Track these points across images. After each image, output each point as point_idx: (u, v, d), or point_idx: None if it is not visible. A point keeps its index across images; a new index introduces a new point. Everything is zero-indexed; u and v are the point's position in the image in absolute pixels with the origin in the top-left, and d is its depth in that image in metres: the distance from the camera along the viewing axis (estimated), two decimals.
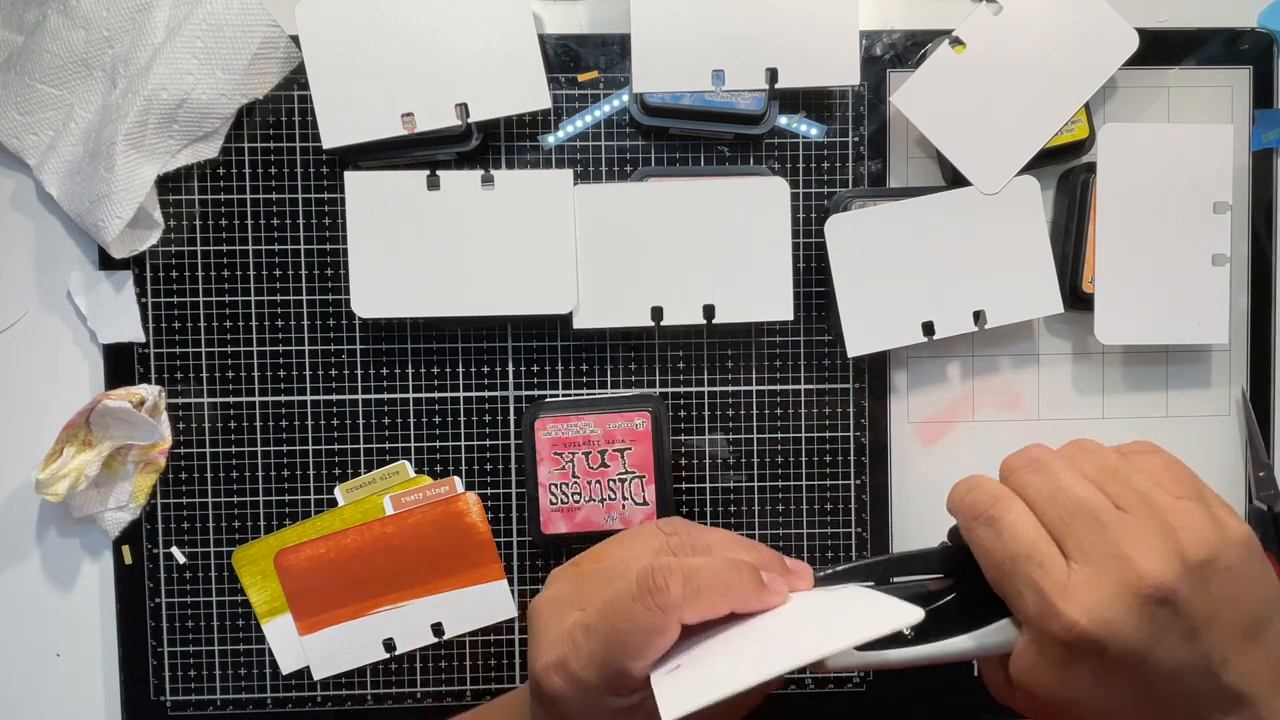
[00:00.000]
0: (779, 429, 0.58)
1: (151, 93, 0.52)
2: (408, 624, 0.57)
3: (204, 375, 0.57)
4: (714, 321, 0.54)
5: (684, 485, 0.58)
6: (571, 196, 0.54)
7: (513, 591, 0.58)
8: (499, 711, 0.48)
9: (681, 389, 0.58)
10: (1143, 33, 0.54)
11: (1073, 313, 0.57)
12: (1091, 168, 0.56)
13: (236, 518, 0.57)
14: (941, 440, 0.59)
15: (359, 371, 0.57)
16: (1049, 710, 0.37)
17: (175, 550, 0.57)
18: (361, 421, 0.57)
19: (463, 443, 0.57)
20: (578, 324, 0.54)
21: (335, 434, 0.57)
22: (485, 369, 0.57)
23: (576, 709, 0.40)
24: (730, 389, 0.58)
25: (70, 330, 0.57)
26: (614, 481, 0.55)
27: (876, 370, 0.58)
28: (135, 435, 0.55)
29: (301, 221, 0.57)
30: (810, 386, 0.58)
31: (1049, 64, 0.54)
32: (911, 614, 0.36)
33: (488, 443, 0.57)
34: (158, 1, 0.54)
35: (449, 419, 0.57)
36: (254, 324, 0.57)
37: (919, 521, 0.59)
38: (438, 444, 0.57)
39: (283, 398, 0.57)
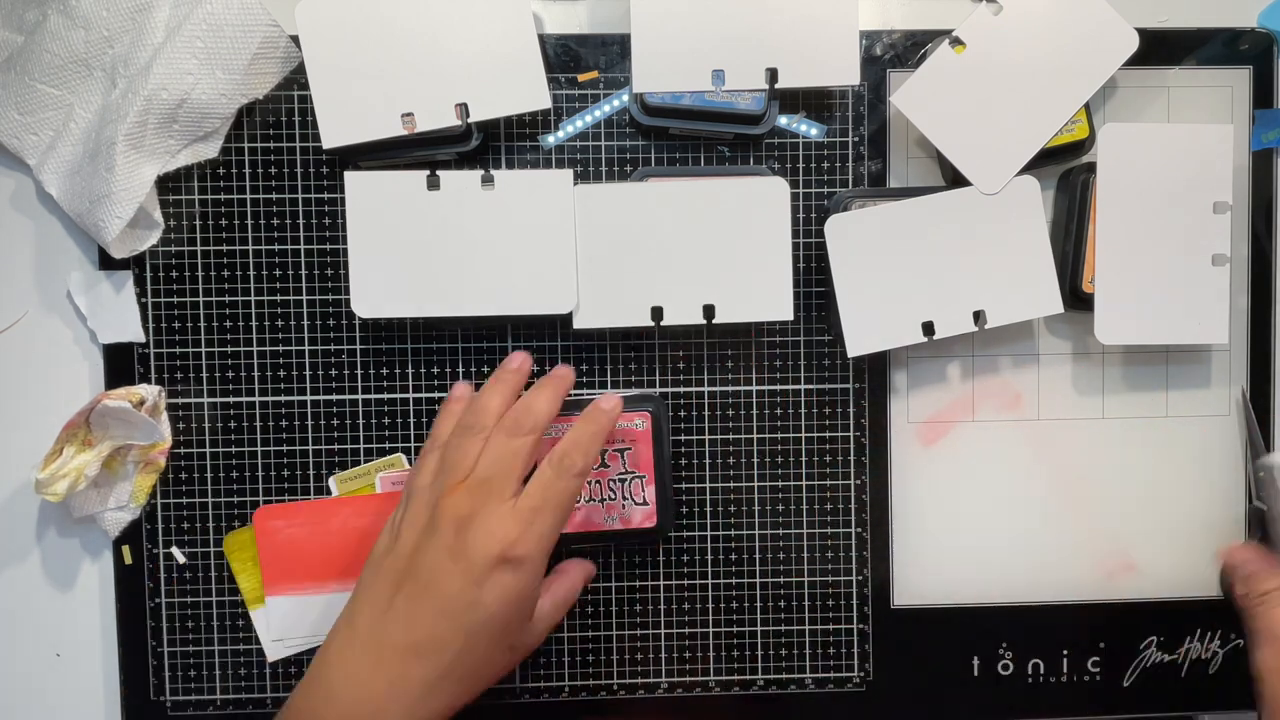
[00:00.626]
0: (779, 429, 0.58)
1: (151, 93, 0.52)
2: None
3: (204, 375, 0.57)
4: (714, 321, 0.54)
5: (684, 485, 0.58)
6: (571, 196, 0.54)
7: None
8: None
9: (681, 389, 0.58)
10: (1143, 33, 0.54)
11: (1073, 313, 0.57)
12: (1091, 168, 0.56)
13: (236, 518, 0.57)
14: (941, 440, 0.59)
15: (359, 371, 0.57)
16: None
17: (175, 550, 0.57)
18: (361, 421, 0.57)
19: None
20: (578, 324, 0.54)
21: (335, 434, 0.57)
22: (485, 369, 0.57)
23: (514, 614, 0.49)
24: (730, 389, 0.58)
25: (70, 330, 0.57)
26: (614, 481, 0.55)
27: (876, 370, 0.58)
28: (135, 435, 0.55)
29: (301, 221, 0.57)
30: (810, 386, 0.58)
31: (1049, 64, 0.54)
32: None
33: None
34: (158, 1, 0.54)
35: None
36: (254, 324, 0.57)
37: (919, 521, 0.59)
38: None
39: (283, 398, 0.57)
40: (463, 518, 0.47)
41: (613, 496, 0.55)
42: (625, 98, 0.57)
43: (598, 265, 0.54)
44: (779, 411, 0.58)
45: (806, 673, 0.59)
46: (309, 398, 0.57)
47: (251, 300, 0.57)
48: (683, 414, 0.58)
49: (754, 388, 0.58)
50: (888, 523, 0.59)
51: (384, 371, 0.57)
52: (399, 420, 0.57)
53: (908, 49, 0.58)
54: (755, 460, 0.58)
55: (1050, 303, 0.55)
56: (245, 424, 0.57)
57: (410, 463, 0.57)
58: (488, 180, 0.54)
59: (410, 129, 0.53)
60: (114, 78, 0.54)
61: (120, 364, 0.57)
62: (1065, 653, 0.59)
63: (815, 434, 0.58)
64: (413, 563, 0.48)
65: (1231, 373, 0.60)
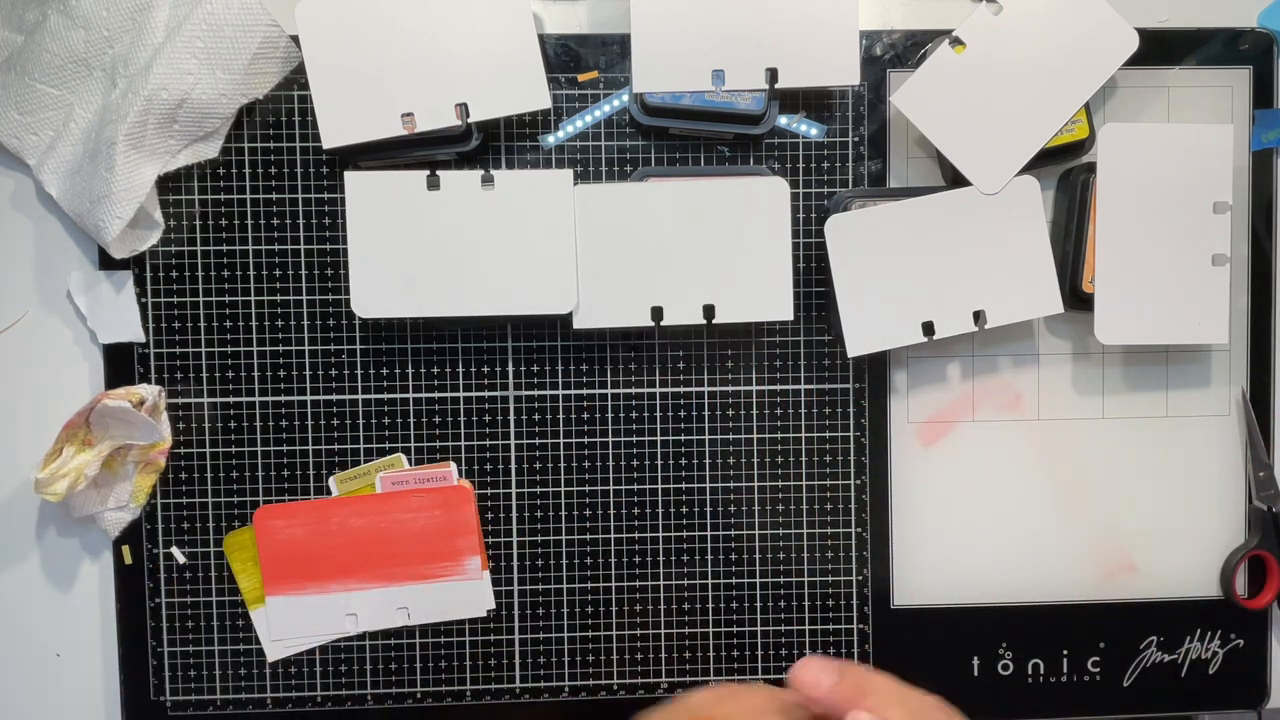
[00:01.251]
0: (779, 429, 0.58)
1: (151, 93, 0.52)
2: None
3: (204, 375, 0.57)
4: (714, 321, 0.54)
5: (684, 485, 0.58)
6: (571, 196, 0.54)
7: (503, 591, 0.58)
8: None
9: (681, 389, 0.58)
10: (1143, 33, 0.54)
11: (1073, 313, 0.57)
12: (1091, 168, 0.56)
13: (236, 518, 0.57)
14: (941, 440, 0.59)
15: (359, 371, 0.57)
16: None
17: (175, 550, 0.57)
18: (361, 421, 0.57)
19: (462, 442, 0.57)
20: (578, 324, 0.54)
21: (335, 434, 0.57)
22: (485, 369, 0.57)
23: None
24: (730, 389, 0.58)
25: (70, 330, 0.57)
26: None
27: (876, 370, 0.58)
28: (135, 435, 0.55)
29: (301, 221, 0.57)
30: (810, 386, 0.58)
31: (1049, 64, 0.54)
32: None
33: (487, 442, 0.57)
34: (158, 1, 0.54)
35: (448, 419, 0.57)
36: (254, 324, 0.57)
37: (919, 521, 0.59)
38: (437, 444, 0.57)
39: (283, 397, 0.57)
40: None
41: None
42: (625, 98, 0.57)
43: (598, 265, 0.54)
44: (779, 411, 0.58)
45: None
46: (309, 398, 0.57)
47: (251, 300, 0.57)
48: (683, 414, 0.58)
49: (754, 388, 0.58)
50: (888, 523, 0.59)
51: (384, 371, 0.57)
52: (399, 420, 0.57)
53: (908, 49, 0.57)
54: (755, 460, 0.58)
55: (1050, 303, 0.55)
56: (245, 424, 0.57)
57: (410, 463, 0.57)
58: (488, 180, 0.54)
59: (410, 129, 0.53)
60: (114, 78, 0.54)
61: (120, 364, 0.57)
62: (1065, 653, 0.59)
63: (815, 434, 0.58)
64: None
65: (1231, 373, 0.60)
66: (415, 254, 0.54)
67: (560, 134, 0.57)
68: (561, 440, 0.58)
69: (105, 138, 0.52)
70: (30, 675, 0.58)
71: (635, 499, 0.58)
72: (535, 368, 0.57)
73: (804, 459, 0.58)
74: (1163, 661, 0.60)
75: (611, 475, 0.58)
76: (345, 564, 0.57)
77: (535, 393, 0.57)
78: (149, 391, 0.55)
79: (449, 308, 0.54)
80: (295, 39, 0.55)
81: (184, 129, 0.54)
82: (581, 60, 0.57)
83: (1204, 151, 0.55)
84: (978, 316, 0.55)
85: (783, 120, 0.57)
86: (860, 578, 0.59)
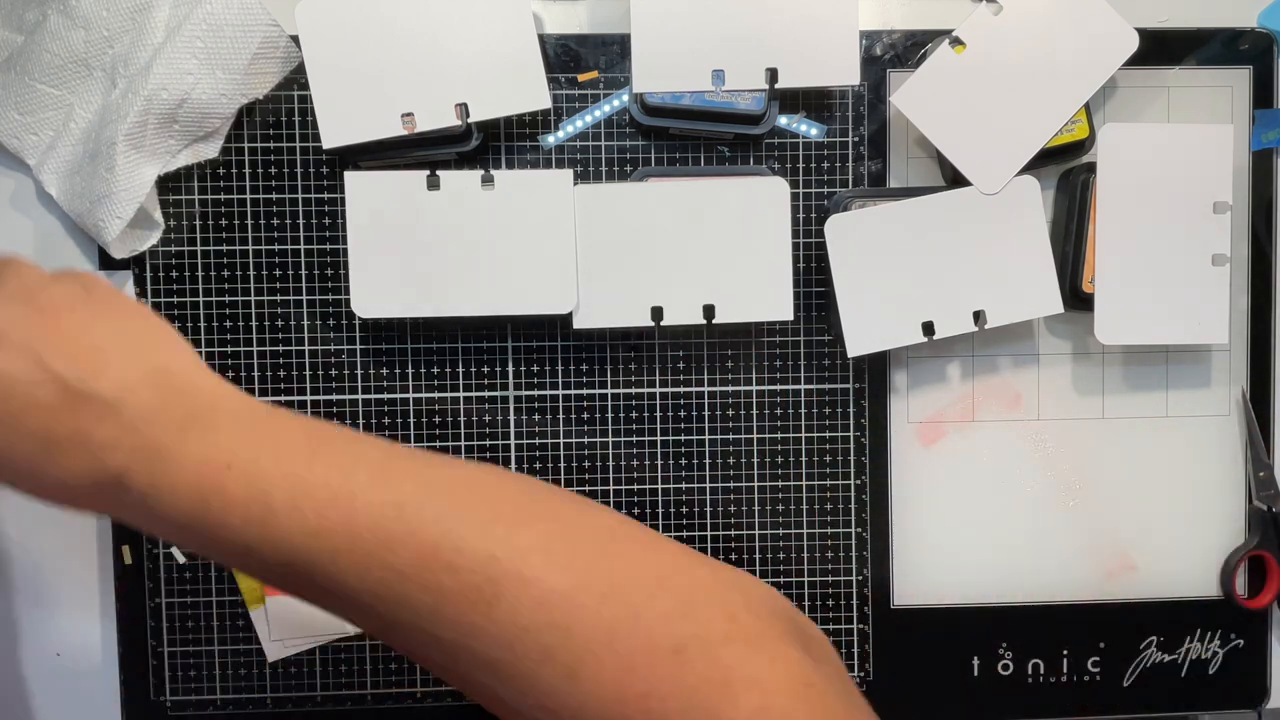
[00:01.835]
0: (779, 429, 0.58)
1: (151, 93, 0.52)
2: None
3: None
4: (714, 321, 0.54)
5: (684, 485, 0.58)
6: (571, 196, 0.54)
7: None
8: None
9: (681, 389, 0.58)
10: (1143, 33, 0.54)
11: (1073, 313, 0.57)
12: (1091, 168, 0.56)
13: None
14: (941, 440, 0.59)
15: (359, 371, 0.57)
16: None
17: (175, 550, 0.57)
18: (361, 422, 0.57)
19: (462, 443, 0.57)
20: (578, 324, 0.54)
21: None
22: (485, 369, 0.57)
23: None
24: (730, 389, 0.58)
25: None
26: None
27: (876, 370, 0.58)
28: None
29: (301, 221, 0.57)
30: (810, 386, 0.58)
31: (1049, 64, 0.54)
32: None
33: (487, 443, 0.57)
34: (158, 1, 0.54)
35: (449, 419, 0.57)
36: (254, 324, 0.57)
37: (919, 521, 0.59)
38: (437, 444, 0.57)
39: (283, 398, 0.57)
40: None
41: None
42: (625, 98, 0.57)
43: (597, 265, 0.54)
44: (779, 411, 0.58)
45: None
46: (309, 398, 0.57)
47: (251, 300, 0.57)
48: (683, 414, 0.58)
49: (754, 388, 0.58)
50: (888, 523, 0.59)
51: (384, 371, 0.57)
52: (399, 420, 0.57)
53: (908, 49, 0.57)
54: (755, 460, 0.58)
55: (1050, 303, 0.55)
56: None
57: None
58: (488, 180, 0.54)
59: (410, 129, 0.53)
60: (114, 78, 0.54)
61: None
62: (1065, 653, 0.59)
63: (815, 434, 0.58)
64: None
65: (1231, 373, 0.60)
66: (415, 254, 0.54)
67: (560, 134, 0.57)
68: (561, 440, 0.58)
69: (105, 138, 0.52)
70: (30, 675, 0.58)
71: (635, 499, 0.58)
72: (535, 368, 0.57)
73: (804, 459, 0.58)
74: (1163, 661, 0.60)
75: (611, 475, 0.58)
76: None
77: (535, 393, 0.57)
78: None
79: (449, 308, 0.54)
80: (295, 39, 0.55)
81: (184, 129, 0.54)
82: (581, 60, 0.57)
83: (1204, 151, 0.55)
84: (978, 316, 0.55)
85: (783, 120, 0.57)
86: (860, 577, 0.59)
